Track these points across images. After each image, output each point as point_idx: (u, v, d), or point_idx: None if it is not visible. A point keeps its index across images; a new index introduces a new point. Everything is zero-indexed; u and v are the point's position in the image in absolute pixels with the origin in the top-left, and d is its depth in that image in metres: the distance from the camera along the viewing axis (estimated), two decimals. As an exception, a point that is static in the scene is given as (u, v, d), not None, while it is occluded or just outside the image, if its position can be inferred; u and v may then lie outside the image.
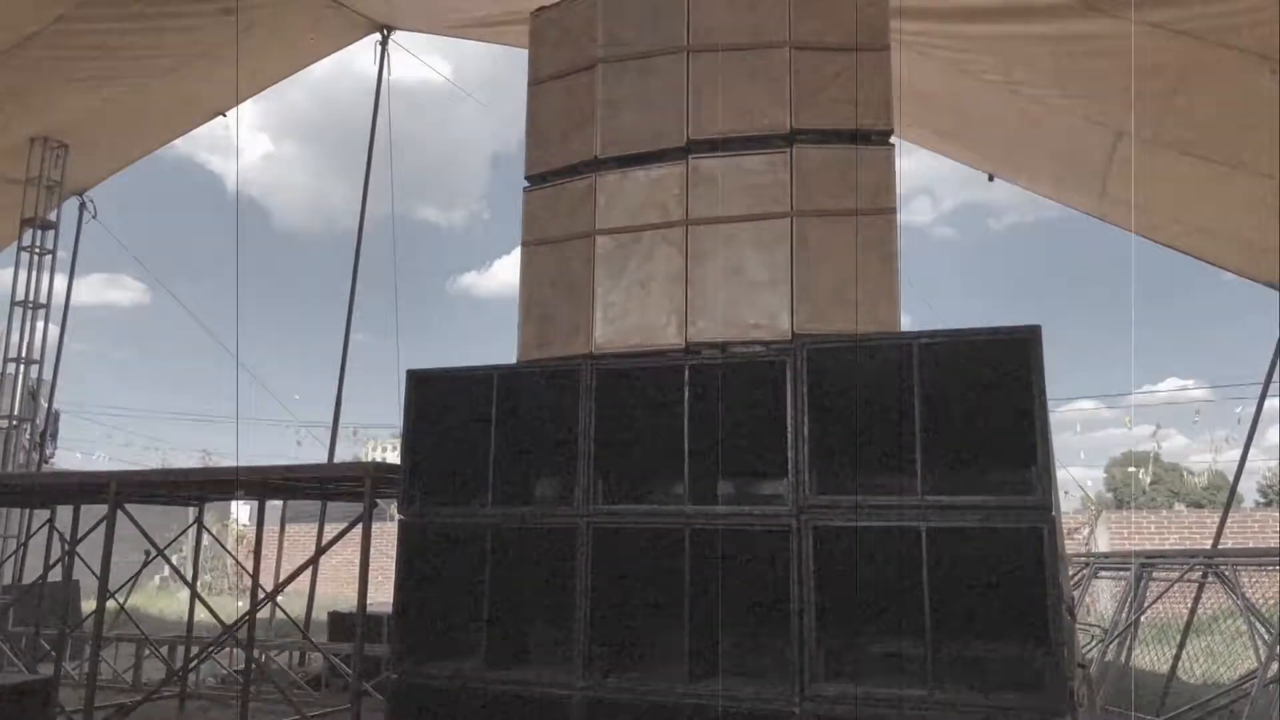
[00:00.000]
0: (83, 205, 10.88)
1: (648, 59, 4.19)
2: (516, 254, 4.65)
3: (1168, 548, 14.32)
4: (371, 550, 4.69)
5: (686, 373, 3.90)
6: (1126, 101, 4.79)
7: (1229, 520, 11.49)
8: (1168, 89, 4.54)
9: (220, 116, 9.82)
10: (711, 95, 4.06)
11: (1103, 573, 8.72)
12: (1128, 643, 7.35)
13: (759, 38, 4.04)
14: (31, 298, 9.87)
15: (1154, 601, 7.48)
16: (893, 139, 4.02)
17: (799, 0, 4.02)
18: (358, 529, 4.58)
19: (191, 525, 7.80)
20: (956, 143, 7.40)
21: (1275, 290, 7.95)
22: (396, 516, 4.45)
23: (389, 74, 9.55)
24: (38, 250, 9.89)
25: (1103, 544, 15.74)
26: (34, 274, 9.90)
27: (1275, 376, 8.46)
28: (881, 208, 3.93)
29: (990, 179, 7.92)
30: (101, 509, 5.70)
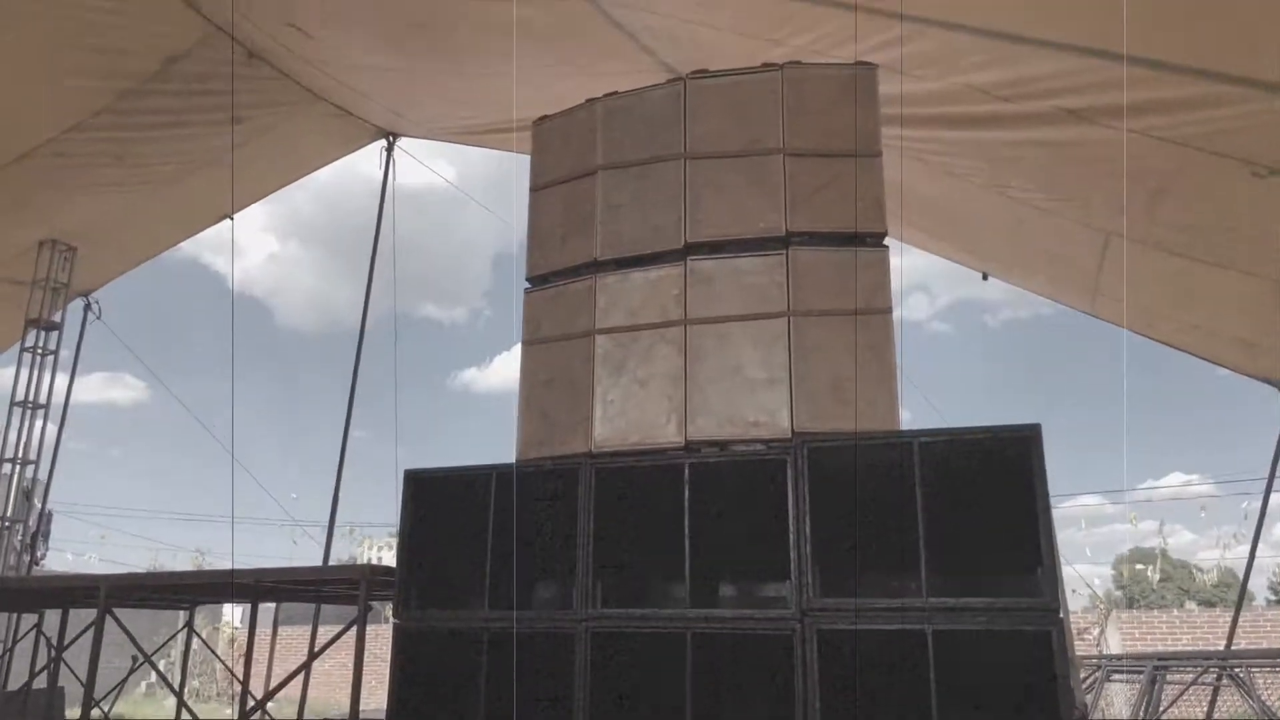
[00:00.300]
0: (87, 306, 11.00)
1: (647, 165, 4.31)
2: (516, 350, 4.70)
3: (1181, 648, 14.01)
4: (366, 653, 4.58)
5: (686, 470, 3.89)
6: (1113, 204, 4.91)
7: (1241, 619, 11.27)
8: (1154, 192, 4.66)
9: (227, 219, 10.03)
10: (708, 199, 4.17)
11: (1115, 675, 8.51)
12: (1144, 750, 7.13)
13: (754, 145, 4.17)
14: (31, 398, 9.88)
15: (1170, 705, 7.28)
16: (886, 240, 4.10)
17: (792, 109, 4.15)
18: (352, 632, 4.49)
19: (181, 630, 7.63)
20: (949, 243, 7.54)
21: (1272, 386, 8.01)
22: (391, 619, 4.37)
23: (394, 178, 9.79)
24: (40, 351, 9.95)
25: (1114, 644, 15.38)
26: (35, 374, 9.94)
27: (1279, 472, 8.44)
28: (877, 308, 3.98)
29: (985, 278, 8.05)
30: (90, 613, 5.60)
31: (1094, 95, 4.12)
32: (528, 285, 4.66)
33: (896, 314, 4.09)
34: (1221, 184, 4.32)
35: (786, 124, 4.15)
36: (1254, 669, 6.73)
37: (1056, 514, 3.61)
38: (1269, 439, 8.58)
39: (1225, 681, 6.96)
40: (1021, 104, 4.47)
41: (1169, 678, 7.44)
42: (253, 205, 10.32)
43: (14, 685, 8.77)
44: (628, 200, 4.34)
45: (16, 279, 9.65)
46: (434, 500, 4.36)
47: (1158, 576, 33.29)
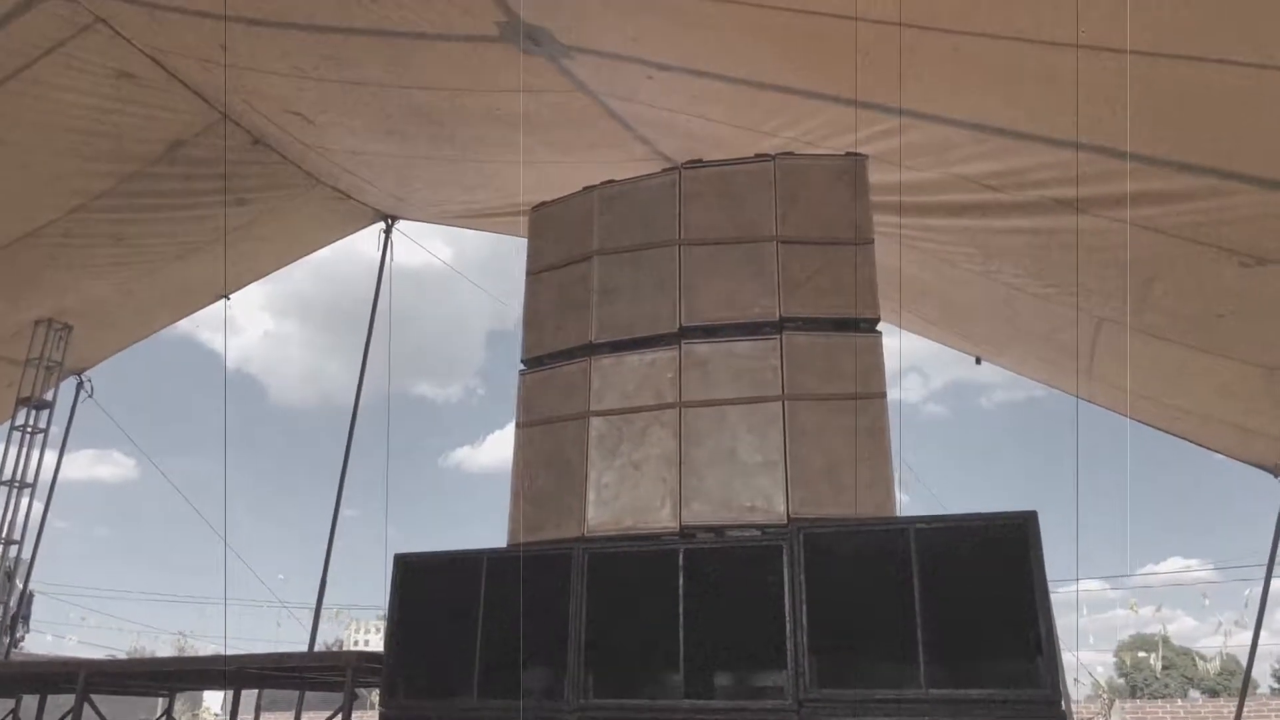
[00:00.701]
0: (80, 385, 10.97)
1: (641, 251, 4.37)
2: (509, 429, 4.68)
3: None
4: (350, 745, 4.45)
5: (681, 556, 3.84)
6: (1103, 291, 4.97)
7: (1246, 709, 11.03)
8: (1144, 280, 4.72)
9: (224, 299, 10.09)
10: (703, 285, 4.21)
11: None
12: None
13: (747, 232, 4.23)
14: (19, 477, 9.78)
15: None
16: (880, 325, 4.13)
17: (784, 198, 4.23)
18: (337, 723, 4.37)
19: (160, 717, 7.40)
20: (943, 328, 7.60)
21: (1266, 471, 7.99)
22: (377, 706, 4.25)
23: (391, 259, 9.89)
24: (30, 429, 9.89)
25: (1118, 737, 15.01)
26: (24, 452, 9.85)
27: (1279, 558, 8.35)
28: (872, 392, 3.99)
29: (978, 362, 8.09)
30: (68, 698, 5.44)
31: (1083, 186, 4.20)
32: (522, 367, 4.67)
33: (892, 395, 4.10)
34: (1211, 273, 4.38)
35: (779, 212, 4.22)
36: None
37: (1056, 599, 3.56)
38: (1268, 523, 8.52)
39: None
40: (1012, 193, 4.56)
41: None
42: (250, 284, 10.38)
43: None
44: (623, 285, 4.38)
45: (10, 357, 9.65)
46: (424, 584, 4.30)
47: (1160, 665, 32.70)
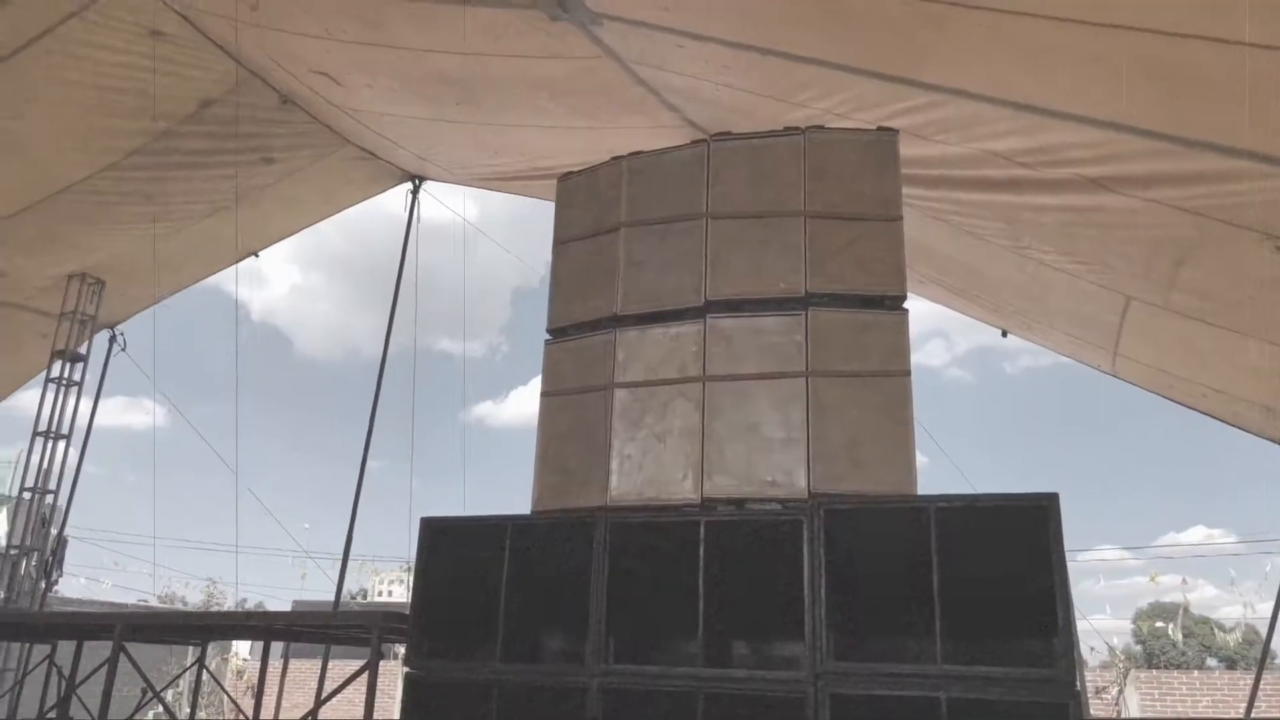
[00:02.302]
0: (113, 338, 11.15)
1: (669, 224, 4.37)
2: (533, 385, 4.75)
3: (1200, 714, 13.74)
4: (377, 690, 4.57)
5: (702, 528, 3.90)
6: (1132, 270, 4.93)
7: (1265, 682, 11.06)
8: (1173, 261, 4.67)
9: (252, 256, 10.19)
10: (729, 259, 4.22)
11: (1133, 741, 8.36)
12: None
13: (775, 207, 4.22)
14: (54, 428, 9.99)
15: (1187, 775, 7.14)
16: (905, 304, 4.13)
17: (813, 172, 4.21)
18: (363, 677, 4.49)
19: (192, 665, 7.63)
20: (969, 300, 7.56)
21: (1293, 450, 7.93)
22: (402, 657, 4.37)
23: (418, 219, 9.93)
24: (64, 382, 10.08)
25: (1133, 705, 15.11)
26: (59, 404, 10.06)
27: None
28: (895, 370, 4.00)
29: (1004, 335, 8.04)
30: (103, 644, 5.63)
31: (1115, 165, 4.15)
32: (548, 337, 4.71)
33: (915, 360, 4.10)
34: (1241, 255, 4.33)
35: (808, 187, 4.21)
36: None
37: (1074, 566, 3.59)
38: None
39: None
40: (1042, 170, 4.51)
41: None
42: (278, 241, 10.47)
43: (24, 714, 8.79)
44: (649, 257, 4.39)
45: (45, 310, 9.81)
46: (450, 548, 4.39)
47: (1180, 635, 32.72)
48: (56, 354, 9.91)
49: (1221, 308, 5.00)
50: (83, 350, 10.18)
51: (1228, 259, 4.49)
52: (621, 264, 4.44)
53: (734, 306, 4.24)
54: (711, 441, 4.13)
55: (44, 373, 10.22)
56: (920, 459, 4.15)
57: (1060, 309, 6.47)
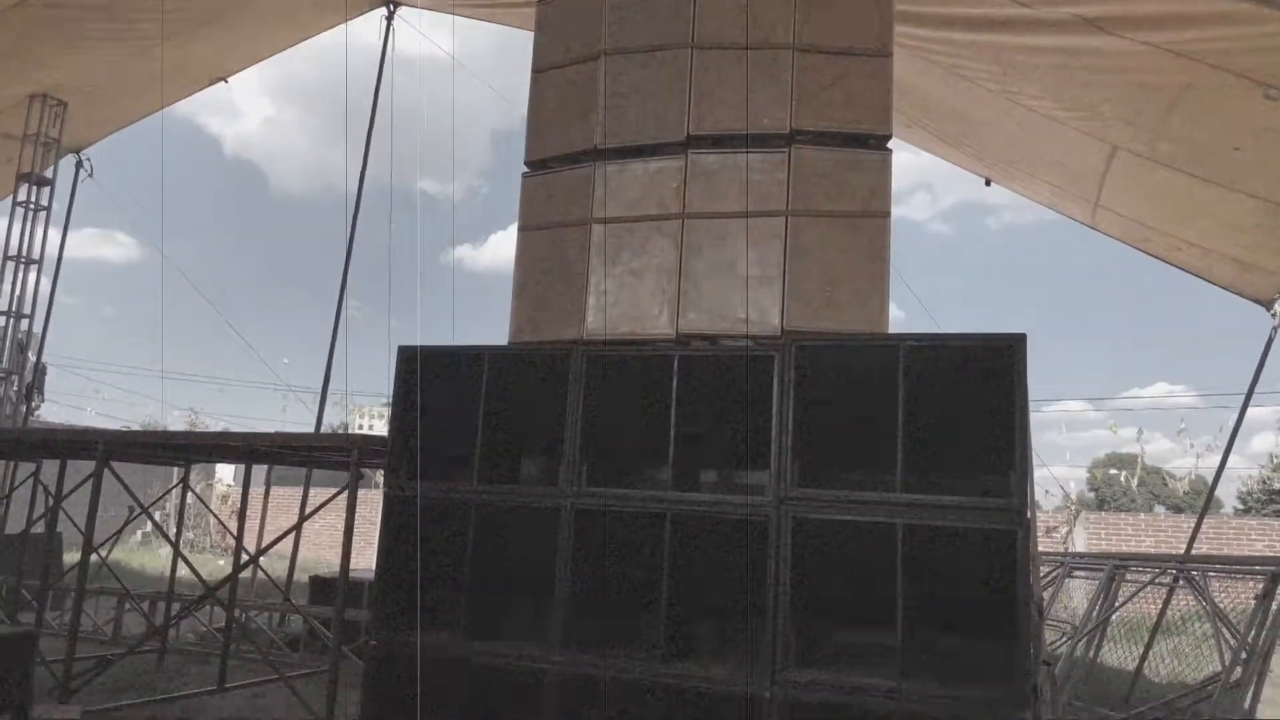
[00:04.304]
0: (79, 163, 10.88)
1: (652, 53, 4.24)
2: (511, 230, 4.71)
3: (1142, 550, 14.52)
4: (355, 515, 4.74)
5: (676, 363, 3.97)
6: (1122, 117, 4.87)
7: (1206, 525, 11.65)
8: (1164, 108, 4.61)
9: (221, 82, 9.82)
10: (713, 92, 4.12)
11: (1077, 572, 8.87)
12: (1096, 641, 7.51)
13: (762, 38, 4.09)
14: (24, 253, 9.87)
15: (1125, 603, 7.62)
16: (890, 144, 4.08)
17: (803, 4, 4.06)
18: (341, 496, 4.64)
19: (176, 485, 7.85)
20: (954, 147, 7.46)
21: (1261, 306, 8.09)
22: (381, 485, 4.52)
23: (393, 48, 9.55)
24: (32, 206, 9.89)
25: (1080, 544, 15.93)
26: (28, 229, 9.90)
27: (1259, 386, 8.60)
28: (876, 211, 3.99)
29: (988, 183, 8.00)
30: (84, 464, 5.75)
31: (1114, 4, 4.03)
32: (526, 170, 4.63)
33: (899, 213, 4.11)
34: (1233, 103, 4.28)
35: (797, 19, 4.07)
36: (1210, 573, 7.02)
37: (1038, 418, 3.75)
38: (1257, 355, 8.68)
39: (1181, 584, 7.26)
40: (1040, 9, 4.37)
41: (1127, 577, 7.77)
42: (248, 68, 10.07)
43: (12, 530, 9.06)
44: (631, 89, 4.28)
45: (9, 132, 9.51)
46: (427, 376, 4.45)
47: (1136, 481, 34.07)
48: (22, 177, 9.67)
49: (1207, 157, 4.98)
50: (49, 174, 9.93)
51: (1218, 106, 4.44)
52: (602, 95, 4.33)
53: (717, 142, 4.17)
54: (688, 278, 4.15)
55: (10, 198, 10.01)
56: (896, 313, 4.22)
57: (1045, 157, 6.42)
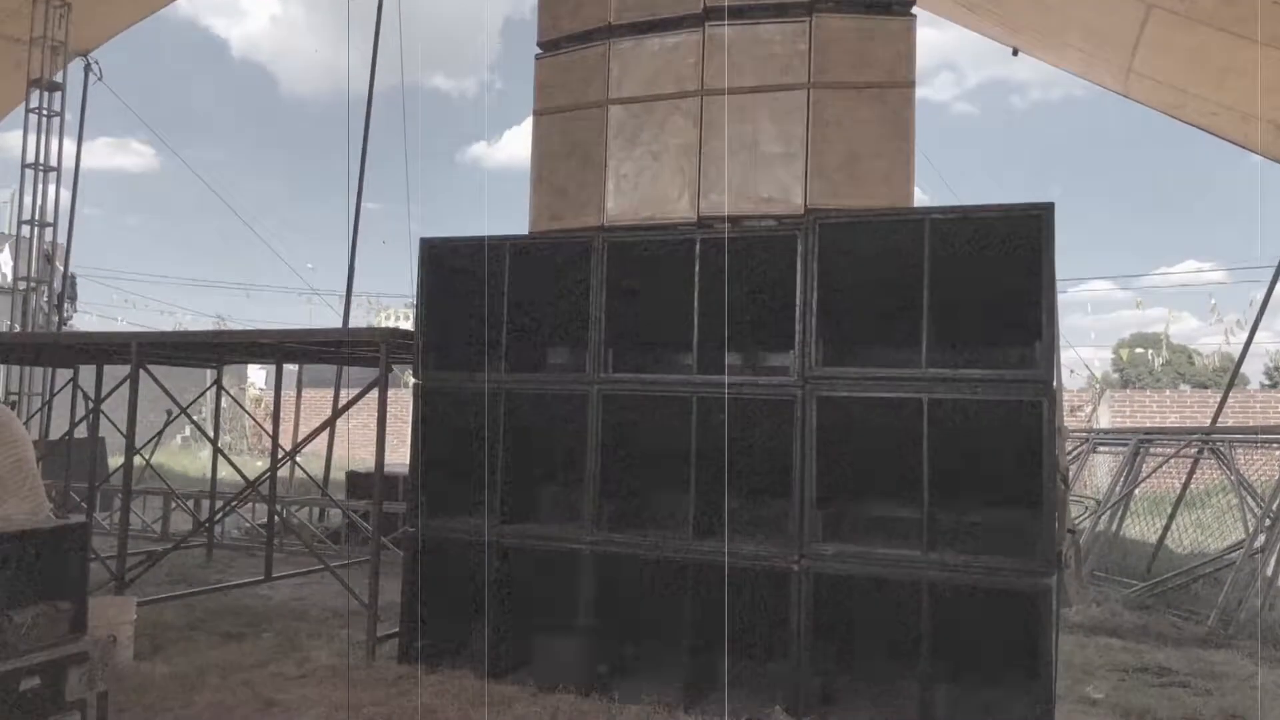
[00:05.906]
0: (88, 66, 10.71)
1: (665, -80, 4.06)
2: (526, 125, 4.62)
3: (1167, 425, 14.52)
4: (386, 415, 4.82)
5: (698, 246, 3.94)
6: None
7: (1232, 400, 11.60)
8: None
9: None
10: (730, -41, 3.96)
11: (1101, 447, 8.91)
12: (1120, 514, 7.59)
13: (781, -103, 3.91)
14: (41, 160, 9.83)
15: (1149, 475, 7.67)
16: (914, 9, 3.93)
17: None
18: (372, 394, 4.71)
19: (211, 387, 7.98)
20: (982, 14, 7.17)
21: (1298, 173, 7.87)
22: (410, 383, 4.57)
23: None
24: (45, 112, 9.79)
25: (1105, 421, 15.94)
26: (43, 136, 9.83)
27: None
28: (899, 81, 3.88)
29: (1015, 53, 7.72)
30: (120, 370, 5.85)
31: None
32: (539, 51, 4.52)
33: (923, 93, 3.99)
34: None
35: (817, -125, 3.87)
36: (1235, 444, 7.02)
37: (1063, 299, 3.70)
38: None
39: (1206, 455, 7.26)
40: None
41: (1153, 451, 7.80)
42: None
43: (55, 436, 9.31)
44: (645, -41, 4.12)
45: (15, 36, 9.35)
46: (451, 268, 4.45)
47: (1160, 360, 33.83)
48: (33, 83, 9.55)
49: (1249, 14, 4.75)
50: (59, 79, 9.80)
51: (1260, -43, 4.21)
52: (615, -33, 4.18)
53: (735, 13, 4.04)
54: (708, 159, 4.08)
55: (23, 106, 9.91)
56: (919, 195, 4.11)
57: (1076, 20, 6.16)
